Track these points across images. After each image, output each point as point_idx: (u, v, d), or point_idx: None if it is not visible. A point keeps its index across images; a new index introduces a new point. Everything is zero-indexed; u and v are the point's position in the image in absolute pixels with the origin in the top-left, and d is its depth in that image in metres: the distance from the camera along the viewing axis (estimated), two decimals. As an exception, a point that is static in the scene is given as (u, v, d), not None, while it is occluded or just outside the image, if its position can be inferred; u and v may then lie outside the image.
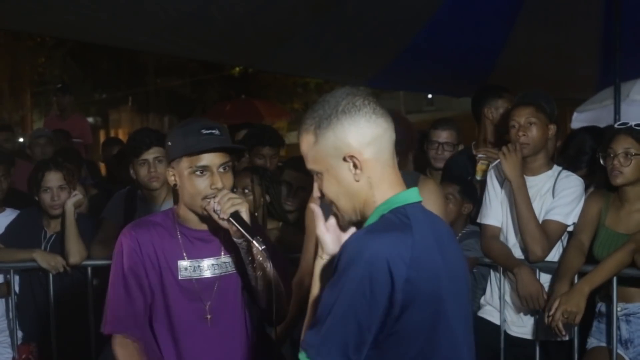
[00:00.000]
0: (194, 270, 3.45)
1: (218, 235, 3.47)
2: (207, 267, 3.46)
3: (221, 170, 3.34)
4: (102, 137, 27.18)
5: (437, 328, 2.42)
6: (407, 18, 8.24)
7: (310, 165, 2.58)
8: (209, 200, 3.30)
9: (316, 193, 2.61)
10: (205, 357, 3.47)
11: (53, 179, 5.38)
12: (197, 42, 8.36)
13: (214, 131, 3.34)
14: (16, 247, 5.43)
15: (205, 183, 3.32)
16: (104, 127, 35.59)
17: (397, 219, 2.44)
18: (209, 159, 3.32)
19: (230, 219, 3.22)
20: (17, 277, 5.49)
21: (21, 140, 16.63)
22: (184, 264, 3.44)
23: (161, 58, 26.86)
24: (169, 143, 3.41)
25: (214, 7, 7.22)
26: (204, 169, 3.32)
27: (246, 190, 5.36)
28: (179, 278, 3.44)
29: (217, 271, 3.47)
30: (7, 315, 5.57)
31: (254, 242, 3.16)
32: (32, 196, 5.53)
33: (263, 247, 3.15)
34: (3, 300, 5.60)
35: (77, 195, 5.38)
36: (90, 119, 31.26)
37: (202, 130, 3.32)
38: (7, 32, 22.46)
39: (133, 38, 8.23)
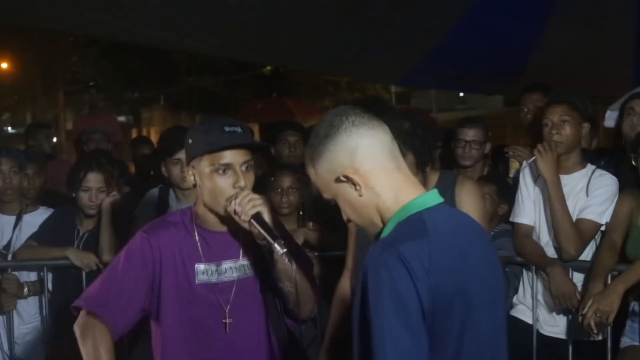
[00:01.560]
0: (212, 274, 3.33)
1: (237, 237, 3.36)
2: (225, 271, 3.34)
3: (243, 168, 3.23)
4: (134, 136, 27.33)
5: (463, 334, 2.36)
6: (438, 17, 8.22)
7: (324, 195, 2.57)
8: (230, 201, 3.20)
9: (345, 218, 2.61)
10: None
11: (94, 179, 5.38)
12: (229, 42, 8.38)
13: (236, 129, 3.24)
14: (50, 245, 5.46)
15: (227, 182, 3.21)
16: (136, 125, 35.91)
17: (412, 227, 2.39)
18: (232, 156, 3.21)
19: (252, 220, 3.13)
20: (50, 275, 5.53)
21: (55, 140, 16.69)
22: (201, 267, 3.33)
23: (193, 57, 26.99)
24: (190, 141, 3.29)
25: (245, 8, 7.25)
26: (227, 167, 3.20)
27: (292, 190, 5.36)
28: (196, 282, 3.32)
29: (235, 274, 3.35)
30: (41, 313, 5.61)
31: (276, 244, 3.08)
32: (66, 193, 5.56)
33: (285, 250, 3.07)
34: (36, 297, 5.64)
35: (115, 195, 5.43)
36: (122, 118, 31.54)
37: (225, 128, 3.22)
38: (41, 31, 22.63)
39: (165, 38, 8.27)
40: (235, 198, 3.18)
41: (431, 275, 2.28)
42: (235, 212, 3.18)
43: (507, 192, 5.30)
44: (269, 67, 27.37)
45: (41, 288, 5.53)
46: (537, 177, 4.99)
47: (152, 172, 7.13)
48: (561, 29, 8.40)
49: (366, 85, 30.87)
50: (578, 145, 4.96)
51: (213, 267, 3.34)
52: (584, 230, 4.81)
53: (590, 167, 4.97)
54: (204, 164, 3.23)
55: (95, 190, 5.37)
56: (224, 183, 3.21)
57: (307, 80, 30.23)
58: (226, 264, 3.35)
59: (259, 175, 6.18)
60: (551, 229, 4.89)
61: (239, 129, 3.25)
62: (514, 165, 5.63)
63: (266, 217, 3.15)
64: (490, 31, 8.42)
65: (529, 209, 5.03)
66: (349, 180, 2.46)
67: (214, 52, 11.15)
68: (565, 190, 4.83)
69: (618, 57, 9.09)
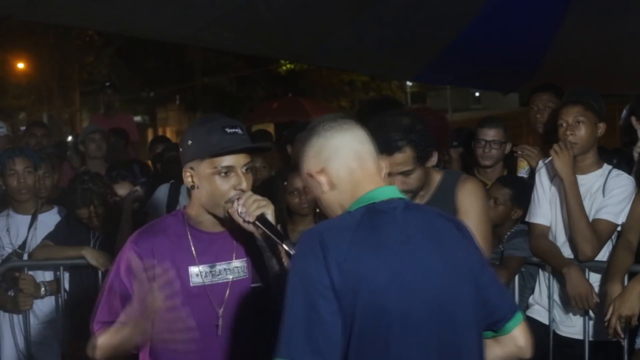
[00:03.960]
0: (206, 276, 3.29)
1: (230, 239, 3.34)
2: (220, 272, 3.30)
3: (243, 170, 3.20)
4: (150, 135, 27.39)
5: (381, 315, 2.48)
6: (454, 12, 8.19)
7: (312, 195, 2.88)
8: (232, 202, 3.16)
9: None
10: None
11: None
12: (243, 36, 8.37)
13: (237, 130, 3.20)
14: (66, 244, 5.48)
15: (229, 184, 3.17)
16: (152, 125, 35.97)
17: (348, 215, 2.61)
18: (234, 159, 3.17)
19: (257, 222, 3.10)
20: (66, 275, 5.54)
21: (70, 139, 16.71)
22: (195, 269, 3.29)
23: (208, 56, 27.03)
24: (189, 142, 3.23)
25: (260, 1, 7.25)
26: (229, 169, 3.17)
27: (307, 189, 5.34)
28: (191, 285, 3.28)
29: (229, 276, 3.31)
30: (57, 312, 5.62)
31: (284, 245, 3.05)
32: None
33: (294, 251, 2.97)
34: (53, 297, 5.65)
35: (137, 192, 5.43)
36: (138, 118, 31.59)
37: (226, 129, 3.18)
38: (57, 31, 22.70)
39: (179, 32, 8.28)
40: (239, 199, 3.15)
41: (348, 260, 2.46)
42: (238, 214, 3.14)
43: (522, 197, 5.24)
44: (284, 67, 27.39)
45: (57, 288, 5.54)
46: (553, 177, 4.97)
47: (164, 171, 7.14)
48: (578, 25, 8.34)
49: (382, 84, 30.84)
50: (594, 146, 4.94)
51: (207, 269, 3.30)
52: (600, 231, 4.79)
53: (606, 167, 4.95)
54: (204, 166, 3.19)
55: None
56: (226, 185, 3.18)
57: (322, 80, 30.22)
58: (220, 266, 3.32)
59: (272, 175, 6.19)
60: (567, 229, 4.87)
61: (239, 130, 3.22)
62: (521, 164, 5.62)
63: (270, 218, 3.13)
64: (506, 27, 8.38)
65: (545, 209, 5.02)
66: (313, 177, 2.73)
67: (228, 47, 11.14)
68: (582, 190, 4.81)
69: (636, 54, 9.02)
